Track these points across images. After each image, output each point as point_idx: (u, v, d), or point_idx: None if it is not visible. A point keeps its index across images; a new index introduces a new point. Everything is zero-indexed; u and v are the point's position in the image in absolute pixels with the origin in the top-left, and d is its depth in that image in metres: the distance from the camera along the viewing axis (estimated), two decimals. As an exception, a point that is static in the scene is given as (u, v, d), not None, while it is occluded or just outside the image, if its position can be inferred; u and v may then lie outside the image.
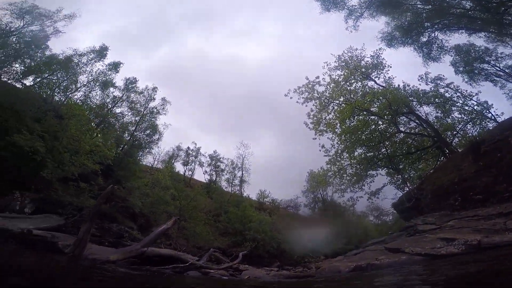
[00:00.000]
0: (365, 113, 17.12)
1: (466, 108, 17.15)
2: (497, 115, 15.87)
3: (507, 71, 17.37)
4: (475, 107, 16.93)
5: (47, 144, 11.12)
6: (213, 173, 33.18)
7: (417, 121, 17.73)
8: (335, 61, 18.22)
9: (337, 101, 18.02)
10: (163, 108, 22.46)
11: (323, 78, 18.13)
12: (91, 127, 14.94)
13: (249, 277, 7.66)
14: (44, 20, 16.53)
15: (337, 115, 17.87)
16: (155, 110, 22.02)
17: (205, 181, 32.18)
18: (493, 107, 16.32)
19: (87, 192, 12.50)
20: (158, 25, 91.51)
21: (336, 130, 17.95)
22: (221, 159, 33.33)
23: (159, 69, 78.44)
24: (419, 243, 8.17)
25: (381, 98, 16.90)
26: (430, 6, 16.03)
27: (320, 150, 18.03)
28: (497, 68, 17.55)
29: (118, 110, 20.76)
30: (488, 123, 15.97)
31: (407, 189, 16.09)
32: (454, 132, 16.99)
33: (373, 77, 18.38)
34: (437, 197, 11.49)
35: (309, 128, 18.13)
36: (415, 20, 16.59)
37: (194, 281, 5.93)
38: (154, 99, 22.07)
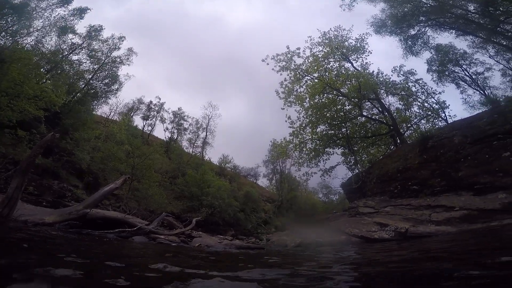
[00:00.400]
0: (335, 92, 17.29)
1: (426, 105, 18.36)
2: (449, 115, 17.28)
3: (473, 77, 18.79)
4: (434, 105, 18.17)
5: None
6: (175, 131, 31.97)
7: (379, 108, 18.62)
8: (319, 37, 17.95)
9: (311, 76, 17.90)
10: (128, 58, 20.82)
11: (303, 51, 17.79)
12: (39, 72, 13.10)
13: (199, 245, 7.74)
14: None
15: (308, 89, 17.95)
16: (118, 60, 20.31)
17: (165, 139, 30.88)
18: (448, 108, 17.66)
19: (25, 142, 11.26)
20: None
21: (305, 104, 18.18)
22: (186, 117, 32.13)
23: (131, 19, 69.62)
24: (357, 224, 9.02)
25: (353, 80, 17.18)
26: (433, 2, 16.10)
27: (286, 121, 18.23)
28: (466, 73, 18.93)
29: (75, 58, 18.87)
30: (440, 122, 17.53)
31: (357, 171, 17.30)
32: (409, 125, 18.29)
33: (351, 60, 18.52)
34: (381, 182, 12.51)
35: (279, 97, 18.13)
36: (411, 12, 16.61)
37: (138, 246, 5.73)
38: (119, 48, 20.35)
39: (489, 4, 13.91)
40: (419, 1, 16.62)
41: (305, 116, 18.05)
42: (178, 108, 32.51)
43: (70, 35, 18.11)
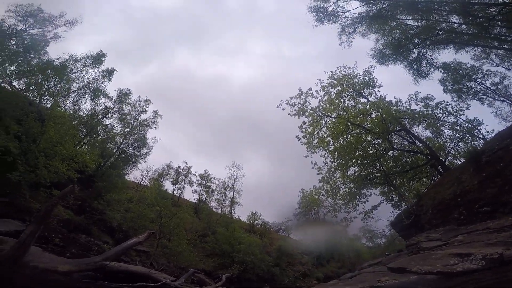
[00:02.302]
0: (358, 129, 16.47)
1: (457, 127, 16.80)
2: (487, 132, 15.62)
3: (493, 88, 17.71)
4: (466, 125, 16.60)
5: (23, 145, 10.20)
6: (203, 193, 32.24)
7: (410, 138, 17.35)
8: (328, 78, 17.81)
9: (330, 116, 17.37)
10: (154, 122, 21.98)
11: (316, 91, 17.64)
12: (75, 132, 13.93)
13: None
14: (46, 24, 16.48)
15: (330, 131, 17.21)
16: (145, 123, 21.50)
17: (194, 201, 30.96)
18: (483, 124, 16.02)
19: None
20: (148, 41, 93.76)
21: (329, 147, 17.23)
22: (212, 179, 32.51)
23: (146, 86, 78.89)
24: (427, 260, 7.19)
25: (374, 112, 16.55)
26: (418, 23, 16.44)
27: (312, 168, 17.16)
28: (484, 86, 17.87)
29: (108, 122, 20.28)
30: (480, 141, 15.75)
31: (404, 206, 15.26)
32: (446, 151, 16.59)
33: (365, 95, 17.94)
34: (439, 212, 10.68)
35: (301, 142, 17.34)
36: (404, 37, 16.84)
37: None
38: (145, 111, 21.61)
39: (466, 14, 13.75)
40: (405, 25, 16.89)
41: (332, 160, 17.07)
42: (205, 171, 33.09)
43: (103, 99, 19.54)
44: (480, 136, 15.83)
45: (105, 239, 13.16)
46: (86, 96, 18.52)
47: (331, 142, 17.02)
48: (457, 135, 16.49)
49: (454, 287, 5.28)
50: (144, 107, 21.40)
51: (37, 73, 14.81)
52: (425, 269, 6.70)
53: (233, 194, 32.61)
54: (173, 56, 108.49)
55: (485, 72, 17.48)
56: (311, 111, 17.46)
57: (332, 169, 17.00)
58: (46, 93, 15.35)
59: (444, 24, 15.60)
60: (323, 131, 17.38)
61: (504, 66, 17.47)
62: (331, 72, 17.66)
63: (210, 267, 16.70)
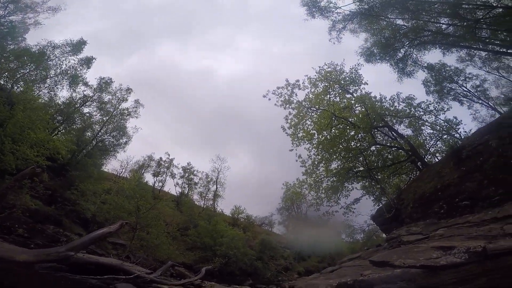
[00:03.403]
0: (343, 122, 16.42)
1: (437, 125, 17.23)
2: (465, 132, 16.02)
3: (472, 91, 18.43)
4: (445, 124, 17.02)
5: None
6: (186, 186, 31.31)
7: (392, 134, 17.59)
8: (315, 73, 17.54)
9: (316, 109, 17.16)
10: (135, 111, 21.00)
11: (303, 83, 17.30)
12: (46, 117, 12.80)
13: None
14: (27, 11, 15.50)
15: (315, 124, 17.02)
16: (125, 112, 20.50)
17: (176, 194, 30.06)
18: (462, 123, 16.45)
19: (26, 190, 10.46)
20: (133, 33, 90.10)
21: (313, 140, 17.07)
22: (195, 172, 31.68)
23: (130, 77, 75.94)
24: (409, 254, 7.15)
25: (359, 107, 16.58)
26: (407, 23, 16.56)
27: (296, 161, 16.91)
28: (464, 88, 18.54)
29: (86, 110, 19.27)
30: (458, 140, 16.23)
31: (385, 200, 15.49)
32: (426, 149, 16.99)
33: (351, 91, 18.05)
34: (420, 206, 10.82)
35: (286, 133, 17.10)
36: (392, 36, 16.92)
37: None
38: (126, 100, 20.66)
39: (455, 15, 14.03)
40: (394, 25, 16.90)
41: (316, 153, 16.94)
42: (188, 163, 32.02)
43: (82, 87, 18.77)
44: (458, 135, 16.27)
45: (78, 231, 12.35)
46: (64, 83, 17.67)
47: (316, 135, 16.89)
48: (437, 133, 16.91)
49: (439, 281, 5.21)
50: (125, 96, 20.55)
51: (11, 59, 14.07)
52: (408, 262, 6.62)
53: (217, 187, 32.09)
54: (158, 48, 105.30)
55: (466, 75, 18.12)
56: (297, 103, 17.20)
57: (316, 162, 16.90)
58: (19, 80, 14.49)
59: (432, 25, 15.71)
60: (308, 124, 17.24)
61: (485, 69, 18.18)
62: (319, 67, 17.46)
63: (190, 261, 16.23)
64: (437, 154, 16.59)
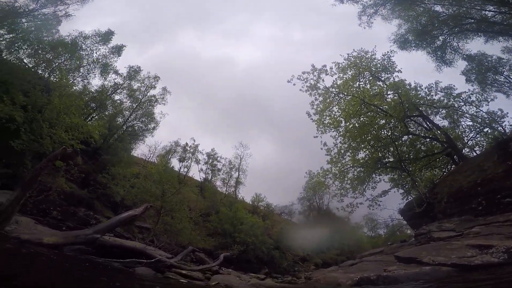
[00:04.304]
0: (373, 108, 15.49)
1: (478, 118, 15.72)
2: (511, 125, 14.54)
3: None
4: (487, 116, 15.46)
5: (28, 115, 10.12)
6: (209, 172, 31.64)
7: (427, 125, 16.35)
8: (343, 60, 16.72)
9: (344, 95, 16.35)
10: (163, 98, 21.89)
11: (330, 68, 16.56)
12: (80, 103, 13.47)
13: (217, 284, 6.08)
14: (58, 3, 16.06)
15: (343, 111, 16.26)
16: (153, 98, 21.45)
17: (200, 180, 30.69)
18: (508, 116, 14.80)
19: (62, 172, 11.15)
20: (154, 22, 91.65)
21: (340, 128, 16.42)
22: (219, 158, 31.90)
23: (154, 66, 77.84)
24: (440, 251, 6.64)
25: (391, 94, 15.56)
26: (447, 10, 15.19)
27: (321, 149, 16.37)
28: (510, 79, 16.60)
29: (117, 97, 20.34)
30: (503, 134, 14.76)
31: (416, 194, 14.60)
32: (464, 142, 15.62)
33: (382, 79, 16.87)
34: (455, 201, 9.99)
35: (311, 119, 16.57)
36: (430, 23, 15.66)
37: (122, 279, 4.32)
38: (154, 87, 21.56)
39: (504, 3, 12.46)
40: (432, 11, 15.67)
41: (342, 142, 16.30)
42: (212, 149, 32.32)
43: (113, 75, 19.74)
44: (502, 129, 14.75)
45: (108, 215, 12.99)
46: (96, 71, 18.69)
47: (343, 123, 16.23)
48: (477, 126, 15.46)
49: (472, 281, 4.73)
50: (153, 83, 21.43)
51: (48, 49, 14.86)
52: (438, 260, 6.14)
53: (239, 174, 32.02)
54: (179, 37, 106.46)
55: (510, 65, 16.27)
56: (324, 89, 16.53)
57: (342, 151, 16.30)
58: (55, 69, 15.28)
59: (476, 13, 14.31)
60: (335, 111, 16.59)
61: None
62: (347, 54, 16.57)
63: (211, 246, 16.56)
64: (476, 148, 15.25)
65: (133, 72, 20.78)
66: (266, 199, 31.50)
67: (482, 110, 15.42)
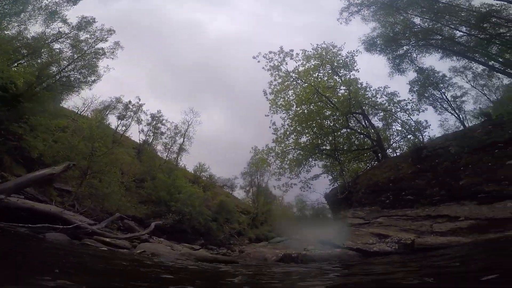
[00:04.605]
0: (324, 99, 16.66)
1: (406, 125, 18.18)
2: (429, 136, 16.95)
3: (450, 100, 19.90)
4: (414, 125, 17.96)
5: None
6: (151, 134, 29.31)
7: (365, 123, 18.27)
8: (311, 50, 17.61)
9: (302, 81, 17.40)
10: (113, 52, 19.47)
11: (296, 54, 17.31)
12: (7, 47, 12.02)
13: (143, 252, 5.84)
14: None
15: (297, 96, 17.31)
16: (101, 51, 18.96)
17: (139, 141, 28.39)
18: (429, 128, 17.28)
19: None
20: None
21: (290, 111, 17.56)
22: (164, 121, 29.62)
23: (114, 20, 66.77)
24: (351, 236, 7.76)
25: (342, 90, 17.08)
26: (423, 23, 16.82)
27: (269, 127, 17.55)
28: (444, 96, 19.89)
29: (57, 46, 17.47)
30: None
31: (341, 182, 16.45)
32: (390, 143, 18.07)
33: (340, 75, 18.23)
34: (370, 193, 11.56)
35: (267, 98, 17.53)
36: (402, 32, 17.12)
37: (34, 247, 3.92)
38: (106, 40, 19.13)
39: (478, 26, 14.40)
40: (410, 22, 17.28)
41: (290, 124, 17.53)
42: (157, 111, 29.76)
43: (60, 24, 17.14)
44: (421, 138, 17.35)
45: (19, 172, 10.91)
46: (38, 18, 16.15)
47: (294, 107, 17.35)
48: (404, 132, 17.87)
49: (367, 263, 5.65)
50: (106, 36, 18.91)
51: None
52: (347, 244, 7.17)
53: (184, 141, 30.54)
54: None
55: (451, 84, 19.53)
56: (285, 72, 17.39)
57: (288, 133, 17.50)
58: None
59: (447, 31, 16.00)
60: (290, 94, 17.59)
61: (471, 83, 19.86)
62: (317, 45, 17.47)
63: (142, 215, 15.62)
64: (398, 150, 17.71)
65: (85, 23, 18.12)
66: (209, 170, 31.53)
67: (412, 119, 17.86)
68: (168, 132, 29.88)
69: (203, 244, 15.74)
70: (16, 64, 15.12)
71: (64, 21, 17.21)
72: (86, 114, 23.34)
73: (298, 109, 17.15)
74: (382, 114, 18.03)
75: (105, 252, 5.20)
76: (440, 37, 16.57)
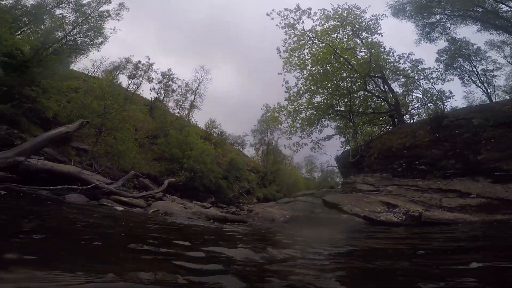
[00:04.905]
0: (342, 60, 15.69)
1: (428, 93, 16.97)
2: (451, 107, 16.16)
3: (480, 73, 18.16)
4: (436, 94, 16.80)
5: None
6: (162, 91, 29.73)
7: (384, 87, 17.43)
8: (331, 10, 16.35)
9: (319, 41, 16.36)
10: (118, 14, 18.74)
11: (314, 12, 16.18)
12: (6, 16, 11.67)
13: (156, 211, 5.92)
14: None
15: (313, 55, 16.47)
16: (105, 14, 18.23)
17: (150, 99, 28.74)
18: (452, 98, 16.16)
19: None
20: None
21: (305, 70, 16.77)
22: (175, 79, 29.78)
23: None
24: (359, 202, 7.81)
25: (363, 52, 16.04)
26: None
27: (282, 85, 16.97)
28: (474, 69, 18.17)
29: (58, 12, 16.93)
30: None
31: (354, 145, 16.28)
32: (408, 109, 17.22)
33: (361, 37, 16.96)
34: (383, 159, 11.38)
35: (280, 56, 16.72)
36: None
37: (51, 209, 4.00)
38: (110, 2, 18.33)
39: None
40: None
41: (303, 84, 16.88)
42: (168, 69, 29.85)
43: None
44: (443, 108, 16.44)
45: (37, 133, 11.21)
46: None
47: (309, 67, 16.65)
48: (425, 100, 16.84)
49: (373, 232, 5.79)
50: None
51: None
52: (355, 210, 7.27)
53: (195, 97, 30.86)
54: None
55: (482, 57, 17.54)
56: (301, 31, 16.42)
57: (301, 92, 16.98)
58: None
59: (491, 3, 14.23)
60: (305, 54, 16.78)
61: (508, 59, 17.78)
62: (338, 5, 16.27)
63: (156, 172, 16.32)
64: (416, 117, 17.04)
65: (86, -14, 16.82)
66: (220, 127, 31.88)
67: (434, 87, 16.70)
68: (179, 90, 30.32)
69: (214, 202, 16.49)
70: (19, 32, 15.01)
71: None
72: (96, 75, 23.74)
73: (313, 69, 16.49)
74: (403, 80, 16.97)
75: (123, 213, 5.34)
76: (481, 9, 14.83)
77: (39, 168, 5.85)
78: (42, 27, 16.36)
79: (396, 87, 17.27)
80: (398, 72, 16.60)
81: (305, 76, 16.77)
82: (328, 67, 16.25)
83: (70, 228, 2.75)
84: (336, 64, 15.99)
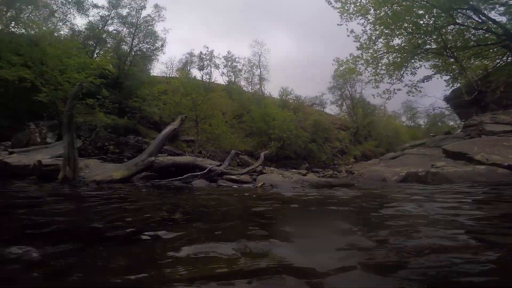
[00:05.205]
0: None
1: None
2: None
3: None
4: None
5: (35, 70, 10.61)
6: (231, 74, 31.72)
7: (480, 18, 13.18)
8: None
9: None
10: (159, 15, 20.28)
11: None
12: (76, 43, 13.35)
13: (263, 185, 6.03)
14: None
15: None
16: (149, 18, 19.98)
17: (224, 83, 30.76)
18: None
19: (97, 108, 11.57)
20: None
21: (369, 15, 14.40)
22: (237, 59, 31.29)
23: None
24: (495, 148, 6.34)
25: None
26: None
27: (348, 36, 14.86)
28: None
29: (111, 28, 19.19)
30: None
31: (464, 81, 13.24)
32: None
33: None
34: (515, 90, 8.80)
35: (333, 7, 14.48)
36: None
37: (184, 195, 4.45)
38: (145, 7, 19.78)
39: None
40: None
41: (373, 29, 14.59)
42: (228, 52, 31.54)
43: (95, 10, 18.09)
44: None
45: (154, 136, 13.60)
46: (71, 11, 17.29)
47: (372, 11, 14.23)
48: None
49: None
50: (141, 3, 19.41)
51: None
52: (493, 159, 5.94)
53: (261, 71, 32.18)
54: None
55: None
56: None
57: (374, 38, 14.87)
58: (27, 25, 13.77)
59: None
60: None
61: None
62: None
63: (250, 147, 17.44)
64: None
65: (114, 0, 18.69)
66: (294, 92, 31.30)
67: None
68: (245, 68, 31.96)
69: (308, 167, 16.61)
70: (95, 55, 17.01)
71: (95, 5, 17.93)
72: (173, 76, 26.77)
73: (378, 12, 14.02)
74: (502, 9, 12.55)
75: (237, 190, 5.54)
76: None
77: (168, 163, 6.99)
78: (109, 45, 18.71)
79: (495, 15, 13.06)
80: (490, 1, 12.63)
81: (371, 21, 14.47)
82: (394, 7, 13.55)
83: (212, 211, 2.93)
84: (403, 3, 13.25)
